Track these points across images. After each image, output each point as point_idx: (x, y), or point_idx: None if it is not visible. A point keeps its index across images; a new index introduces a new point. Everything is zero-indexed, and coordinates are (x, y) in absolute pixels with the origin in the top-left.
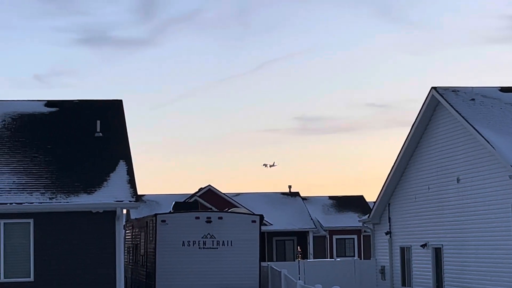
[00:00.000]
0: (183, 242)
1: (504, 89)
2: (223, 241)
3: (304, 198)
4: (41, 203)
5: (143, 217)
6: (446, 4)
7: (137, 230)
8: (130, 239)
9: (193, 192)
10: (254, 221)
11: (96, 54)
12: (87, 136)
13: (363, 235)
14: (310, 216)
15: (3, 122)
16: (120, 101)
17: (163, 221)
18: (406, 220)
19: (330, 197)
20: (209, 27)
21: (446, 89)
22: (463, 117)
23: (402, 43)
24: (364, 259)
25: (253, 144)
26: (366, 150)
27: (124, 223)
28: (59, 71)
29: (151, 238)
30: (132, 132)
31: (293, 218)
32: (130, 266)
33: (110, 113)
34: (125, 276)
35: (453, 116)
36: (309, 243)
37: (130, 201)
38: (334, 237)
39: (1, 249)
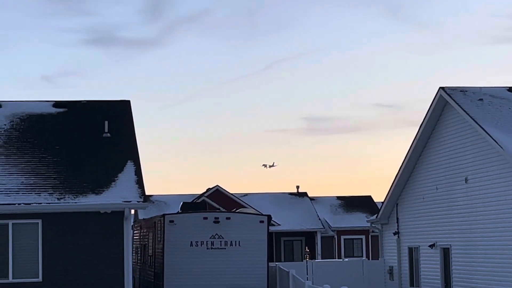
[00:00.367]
0: (191, 242)
1: None
2: (231, 242)
3: (312, 198)
4: (49, 203)
5: (151, 217)
6: (454, 4)
7: (145, 231)
8: (138, 240)
9: (201, 192)
10: (262, 222)
11: (104, 54)
12: (95, 136)
13: (371, 235)
14: (318, 216)
15: (11, 123)
16: (128, 101)
17: (171, 221)
18: (414, 220)
19: (338, 197)
20: (217, 27)
21: (454, 89)
22: (471, 117)
23: (410, 43)
24: (372, 259)
25: (261, 144)
26: (374, 150)
27: (132, 224)
28: (67, 71)
29: (159, 239)
30: (140, 133)
31: (301, 218)
32: (138, 267)
33: (118, 113)
34: (133, 277)
35: (461, 116)
36: (317, 243)
37: (138, 201)
38: (342, 237)
39: (10, 250)
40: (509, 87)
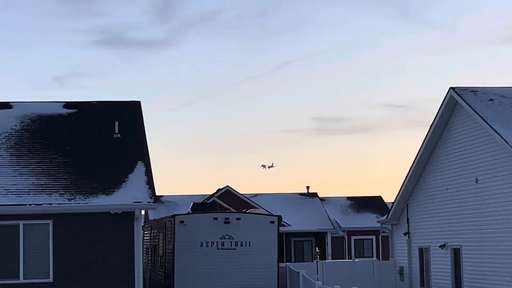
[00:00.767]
0: (202, 242)
1: None
2: (241, 242)
3: (322, 199)
4: (60, 204)
5: (161, 218)
6: (464, 5)
7: (155, 231)
8: (148, 240)
9: (211, 193)
10: (272, 222)
11: (114, 55)
12: (105, 137)
13: (382, 236)
14: (328, 216)
15: (22, 124)
16: (139, 102)
17: (182, 222)
18: (425, 221)
19: (348, 198)
20: (227, 28)
21: (464, 89)
22: (481, 118)
23: (420, 43)
24: (382, 259)
25: (271, 144)
26: (384, 150)
27: (142, 224)
28: (77, 72)
29: (169, 239)
30: (150, 133)
31: (311, 218)
32: (149, 267)
33: (129, 114)
34: (143, 277)
35: (472, 116)
36: (327, 243)
37: (148, 202)
38: (352, 237)
39: (21, 250)
40: None
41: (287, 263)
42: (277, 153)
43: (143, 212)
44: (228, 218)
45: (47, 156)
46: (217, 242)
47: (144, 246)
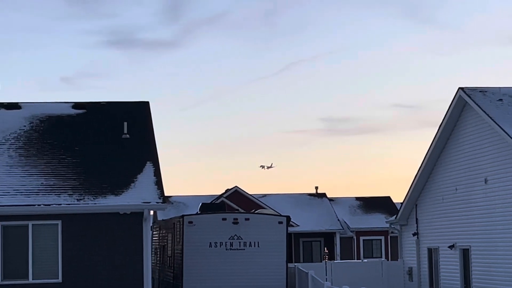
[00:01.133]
0: (210, 243)
1: None
2: (250, 242)
3: (330, 199)
4: (69, 204)
5: (170, 218)
6: (473, 5)
7: (164, 231)
8: (157, 240)
9: (220, 193)
10: (281, 222)
11: (123, 56)
12: (114, 137)
13: (390, 236)
14: (337, 217)
15: (31, 124)
16: (147, 102)
17: (190, 222)
18: (434, 221)
19: (357, 198)
20: (235, 29)
21: (473, 89)
22: (490, 118)
23: (429, 43)
24: (391, 260)
25: (280, 145)
26: (393, 150)
27: (151, 224)
28: (86, 73)
29: (178, 239)
30: (159, 134)
31: (320, 219)
32: (157, 267)
33: (137, 114)
34: (152, 277)
35: (481, 116)
36: (336, 244)
37: (157, 202)
38: (361, 238)
39: (30, 251)
40: None
41: (295, 264)
42: (285, 154)
43: (151, 212)
44: (236, 219)
45: (56, 157)
46: (225, 242)
47: (153, 246)
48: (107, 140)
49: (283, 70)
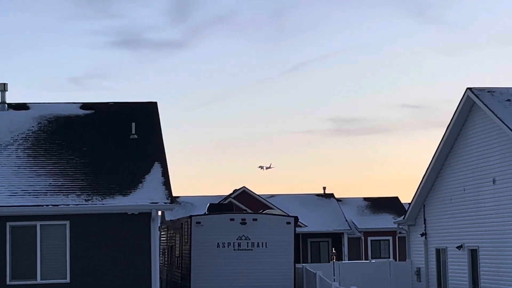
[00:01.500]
0: (218, 243)
1: None
2: (258, 243)
3: (338, 200)
4: (77, 205)
5: (178, 218)
6: (481, 5)
7: (172, 232)
8: (165, 241)
9: (227, 193)
10: (288, 223)
11: (131, 56)
12: (122, 138)
13: (398, 237)
14: (345, 217)
15: (39, 125)
16: (155, 103)
17: (198, 222)
18: (442, 222)
19: (365, 199)
20: (243, 29)
21: (481, 90)
22: (498, 118)
23: (437, 43)
24: (399, 260)
25: (287, 145)
26: (401, 151)
27: (159, 225)
28: (94, 73)
29: (186, 240)
30: (167, 134)
31: (328, 219)
32: (165, 268)
33: (145, 115)
34: (160, 278)
35: (489, 117)
36: (344, 244)
37: (165, 202)
38: (369, 238)
39: (38, 251)
40: None
41: (303, 264)
42: (293, 154)
43: (159, 212)
44: (244, 219)
45: (64, 157)
46: (233, 243)
47: (161, 246)
48: (115, 140)
49: (291, 71)
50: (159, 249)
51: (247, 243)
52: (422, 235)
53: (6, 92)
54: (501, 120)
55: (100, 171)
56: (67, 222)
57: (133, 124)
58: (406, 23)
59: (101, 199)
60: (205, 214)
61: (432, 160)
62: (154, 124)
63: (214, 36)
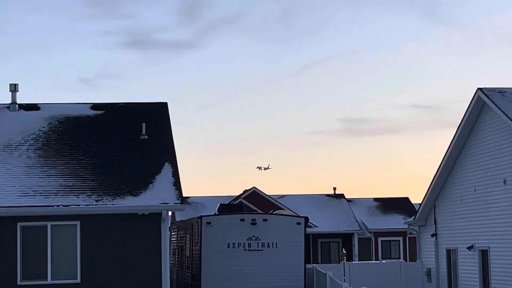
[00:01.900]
0: (228, 244)
1: None
2: (268, 243)
3: (349, 200)
4: (87, 205)
5: (188, 219)
6: (491, 5)
7: (182, 232)
8: (175, 241)
9: (238, 194)
10: (299, 223)
11: (141, 57)
12: (132, 138)
13: (409, 237)
14: (355, 218)
15: (50, 125)
16: (165, 103)
17: (208, 223)
18: (452, 222)
19: (375, 199)
20: (253, 29)
21: (492, 90)
22: (509, 118)
23: (447, 43)
24: (409, 261)
25: (297, 146)
26: (411, 151)
27: (169, 225)
28: (104, 74)
29: (196, 240)
30: (177, 135)
31: (338, 220)
32: (176, 268)
33: (156, 115)
34: (170, 278)
35: (500, 117)
36: (354, 245)
37: (175, 203)
38: (380, 239)
39: (49, 251)
40: None
41: (314, 264)
42: (303, 155)
43: (170, 213)
44: (255, 219)
45: (75, 158)
46: (243, 243)
47: (171, 247)
48: (126, 141)
49: (300, 71)
50: (169, 250)
51: (257, 243)
52: (432, 235)
53: (17, 92)
54: (511, 120)
55: (110, 171)
56: (78, 223)
57: (144, 124)
58: (416, 23)
59: (112, 199)
60: (215, 214)
61: (442, 161)
62: (164, 125)
63: (223, 37)
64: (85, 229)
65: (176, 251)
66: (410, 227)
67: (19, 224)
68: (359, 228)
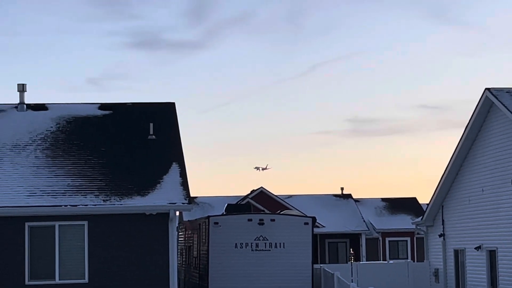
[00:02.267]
0: (236, 244)
1: None
2: (276, 243)
3: (356, 200)
4: (95, 205)
5: (196, 219)
6: (500, 5)
7: (190, 232)
8: (183, 241)
9: (245, 194)
10: (306, 223)
11: (148, 57)
12: (140, 138)
13: (416, 238)
14: (363, 218)
15: (58, 125)
16: (173, 103)
17: (216, 223)
18: (460, 223)
19: (383, 199)
20: (260, 30)
21: (500, 90)
22: None
23: (455, 44)
24: (417, 261)
25: (305, 146)
26: (419, 151)
27: (177, 225)
28: (112, 74)
29: (204, 240)
30: (184, 135)
31: (346, 220)
32: (183, 268)
33: (163, 115)
34: (178, 278)
35: (508, 117)
36: (361, 245)
37: (183, 203)
38: (387, 239)
39: (56, 251)
40: None
41: (321, 265)
42: (311, 155)
43: (177, 213)
44: (262, 219)
45: (83, 158)
46: (251, 243)
47: (179, 247)
48: (133, 141)
49: (308, 71)
50: (177, 250)
51: (265, 243)
52: (440, 236)
53: (25, 92)
54: None
55: (118, 171)
56: (86, 223)
57: (151, 124)
58: (424, 24)
59: (119, 199)
60: (223, 214)
61: (450, 161)
62: (172, 125)
63: (231, 37)
64: (92, 229)
65: (184, 251)
66: (418, 227)
67: (27, 224)
68: (367, 228)
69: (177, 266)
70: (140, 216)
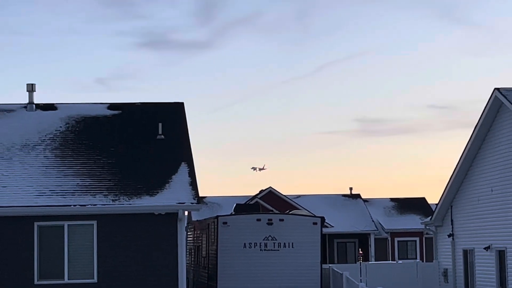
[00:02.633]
0: (245, 244)
1: None
2: (284, 243)
3: (365, 200)
4: (104, 205)
5: (204, 219)
6: (508, 4)
7: (198, 232)
8: (191, 241)
9: (254, 194)
10: (315, 223)
11: (157, 57)
12: (149, 138)
13: (425, 238)
14: (372, 218)
15: (67, 125)
16: (182, 103)
17: (225, 223)
18: (469, 223)
19: (392, 199)
20: (268, 29)
21: (509, 90)
22: None
23: (464, 43)
24: (426, 261)
25: (313, 146)
26: (427, 151)
27: (185, 225)
28: (121, 74)
29: (212, 240)
30: (193, 135)
31: (355, 220)
32: (192, 268)
33: (172, 115)
34: (186, 278)
35: None
36: (370, 245)
37: (192, 203)
38: (396, 239)
39: (65, 251)
40: None
41: (330, 265)
42: (319, 155)
43: (186, 213)
44: (271, 219)
45: (92, 157)
46: (260, 243)
47: (187, 247)
48: (142, 141)
49: (316, 71)
50: (186, 249)
51: (274, 243)
52: (449, 236)
53: (34, 92)
54: None
55: (127, 171)
56: (95, 222)
57: (160, 124)
58: (433, 23)
59: (128, 199)
60: (231, 214)
61: (459, 161)
62: (181, 125)
63: (239, 37)
64: (101, 229)
65: (192, 251)
66: (427, 227)
67: (36, 224)
68: (376, 228)
69: (186, 266)
70: (149, 216)
